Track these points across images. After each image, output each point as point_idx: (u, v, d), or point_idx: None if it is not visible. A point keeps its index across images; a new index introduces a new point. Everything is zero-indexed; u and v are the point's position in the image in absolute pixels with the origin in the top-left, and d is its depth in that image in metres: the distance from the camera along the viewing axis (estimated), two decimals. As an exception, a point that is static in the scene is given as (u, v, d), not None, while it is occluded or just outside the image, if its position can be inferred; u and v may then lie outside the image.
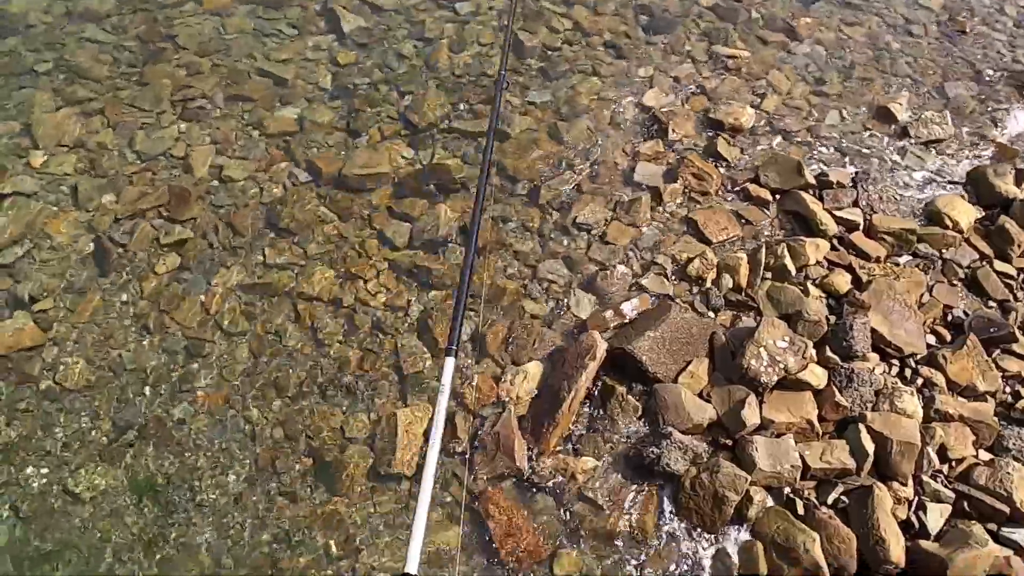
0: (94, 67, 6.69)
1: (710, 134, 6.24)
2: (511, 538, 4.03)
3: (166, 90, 6.54)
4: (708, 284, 5.14)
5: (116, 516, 4.33)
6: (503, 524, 4.08)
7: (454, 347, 3.15)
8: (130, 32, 7.11)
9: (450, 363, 3.08)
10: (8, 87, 6.53)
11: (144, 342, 4.98)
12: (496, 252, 5.37)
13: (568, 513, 4.15)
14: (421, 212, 5.62)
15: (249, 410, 4.70)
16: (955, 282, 5.24)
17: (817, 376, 4.44)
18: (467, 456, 4.30)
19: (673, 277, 5.22)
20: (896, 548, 3.75)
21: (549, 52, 6.97)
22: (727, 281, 5.11)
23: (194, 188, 5.79)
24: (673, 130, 6.20)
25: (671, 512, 4.12)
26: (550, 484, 4.24)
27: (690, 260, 5.23)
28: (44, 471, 4.50)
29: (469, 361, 4.85)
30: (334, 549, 4.11)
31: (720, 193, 5.79)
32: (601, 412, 4.53)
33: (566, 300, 5.12)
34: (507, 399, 4.60)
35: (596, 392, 4.60)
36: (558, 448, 4.39)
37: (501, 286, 5.19)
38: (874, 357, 4.67)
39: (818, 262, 5.23)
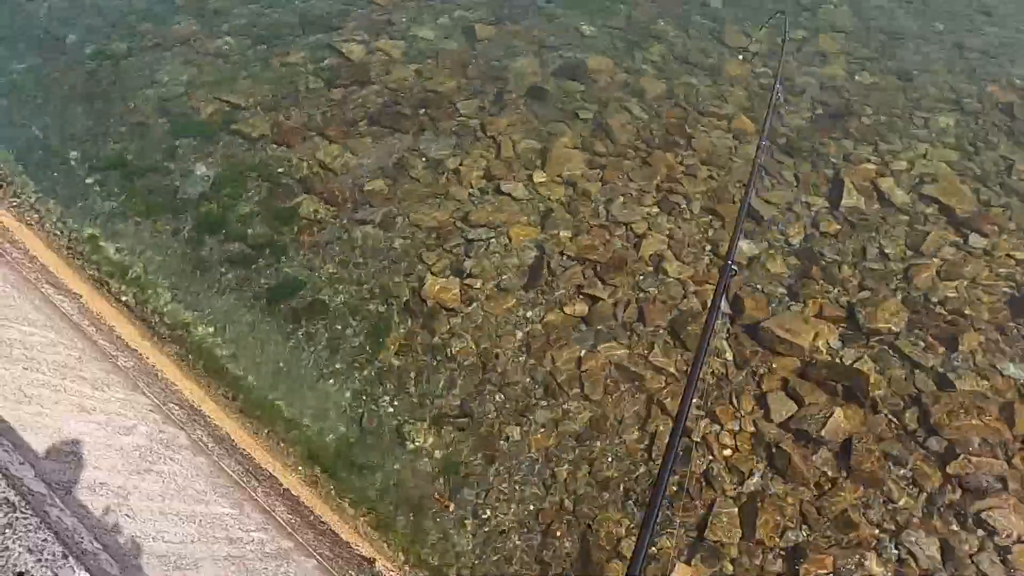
0: (619, 132, 7.60)
1: None
2: None
3: (659, 176, 7.14)
4: None
5: (416, 475, 4.86)
6: None
7: None
8: (661, 119, 7.93)
9: None
10: (548, 117, 7.79)
11: (519, 358, 5.48)
12: (871, 484, 4.76)
13: None
14: (814, 402, 5.23)
15: (559, 468, 4.87)
16: None
17: None
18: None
19: (1068, 655, 4.06)
20: None
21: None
22: None
23: (632, 263, 6.21)
24: None
25: None
26: None
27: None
28: (395, 404, 5.23)
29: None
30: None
31: None
32: None
33: (918, 584, 4.33)
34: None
35: None
36: None
37: (853, 521, 4.58)
38: None
39: None
